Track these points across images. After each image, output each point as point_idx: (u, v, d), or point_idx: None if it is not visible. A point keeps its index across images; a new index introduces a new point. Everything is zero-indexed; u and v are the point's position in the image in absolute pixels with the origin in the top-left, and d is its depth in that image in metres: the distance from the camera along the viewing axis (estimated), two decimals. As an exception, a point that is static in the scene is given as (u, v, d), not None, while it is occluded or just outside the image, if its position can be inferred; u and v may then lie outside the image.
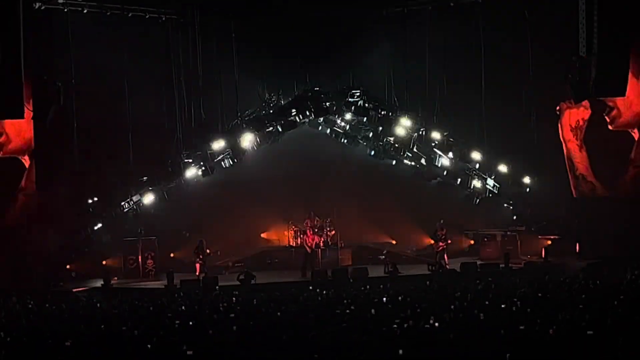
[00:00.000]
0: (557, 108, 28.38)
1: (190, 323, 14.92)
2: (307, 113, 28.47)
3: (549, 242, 28.75)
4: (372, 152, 30.88)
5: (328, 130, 30.90)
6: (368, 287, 21.32)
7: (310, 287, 21.69)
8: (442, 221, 27.53)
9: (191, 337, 13.25)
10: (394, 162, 30.93)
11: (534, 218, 29.24)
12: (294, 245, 29.96)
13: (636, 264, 21.88)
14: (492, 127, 28.91)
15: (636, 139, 27.43)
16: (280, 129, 28.45)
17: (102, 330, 14.78)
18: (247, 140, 28.18)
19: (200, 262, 26.25)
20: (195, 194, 28.30)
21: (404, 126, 29.32)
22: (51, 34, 26.39)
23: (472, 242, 30.70)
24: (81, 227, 26.84)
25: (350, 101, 28.62)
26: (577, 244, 28.19)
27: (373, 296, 18.35)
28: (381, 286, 21.03)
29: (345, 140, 30.72)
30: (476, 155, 29.25)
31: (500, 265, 26.43)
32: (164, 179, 27.55)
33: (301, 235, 29.40)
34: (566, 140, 28.47)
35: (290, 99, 29.18)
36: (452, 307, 15.32)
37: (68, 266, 27.06)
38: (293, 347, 12.01)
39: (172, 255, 28.87)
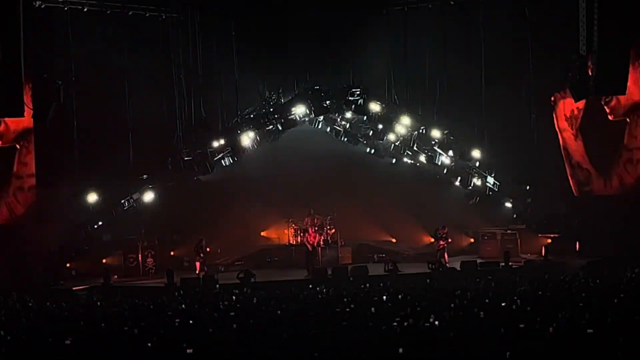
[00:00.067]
0: (552, 98, 28.49)
1: (191, 321, 14.93)
2: (307, 111, 28.47)
3: (549, 240, 28.78)
4: (372, 151, 30.88)
5: (328, 129, 30.89)
6: (368, 285, 21.36)
7: (310, 286, 21.72)
8: (445, 227, 27.54)
9: (191, 335, 13.26)
10: (394, 160, 30.95)
11: (534, 216, 29.25)
12: (294, 243, 29.99)
13: (636, 262, 21.88)
14: (492, 125, 28.88)
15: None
16: (280, 128, 28.44)
17: (102, 329, 14.79)
18: (247, 138, 28.17)
19: (200, 260, 26.28)
20: (195, 193, 28.30)
21: (404, 124, 29.31)
22: (51, 32, 26.38)
23: (472, 240, 30.72)
24: (81, 226, 26.84)
25: (350, 99, 28.61)
26: (577, 243, 28.24)
27: (373, 294, 18.35)
28: (381, 284, 21.06)
29: (346, 139, 30.70)
30: (476, 154, 29.23)
31: (500, 264, 26.43)
32: (164, 177, 27.53)
33: (301, 234, 29.42)
34: (561, 130, 28.62)
35: (290, 97, 29.15)
36: (452, 305, 15.33)
37: (68, 265, 27.10)
38: (293, 346, 12.01)
39: (172, 253, 28.93)
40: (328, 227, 28.95)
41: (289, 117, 28.39)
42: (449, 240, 27.49)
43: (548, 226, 28.84)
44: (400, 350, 11.04)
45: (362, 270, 25.80)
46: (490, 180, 29.15)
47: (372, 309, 15.23)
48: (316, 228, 28.47)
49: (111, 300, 20.74)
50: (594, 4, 23.12)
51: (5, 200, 26.10)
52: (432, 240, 28.68)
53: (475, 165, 29.37)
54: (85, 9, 26.63)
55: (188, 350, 11.65)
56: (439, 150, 29.34)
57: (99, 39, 26.82)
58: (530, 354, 10.95)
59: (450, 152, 29.27)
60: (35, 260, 25.57)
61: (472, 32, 28.48)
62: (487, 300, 15.97)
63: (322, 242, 28.48)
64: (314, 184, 29.54)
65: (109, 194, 26.99)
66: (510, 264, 26.49)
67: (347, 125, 30.72)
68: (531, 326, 12.41)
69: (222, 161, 27.96)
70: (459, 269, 25.88)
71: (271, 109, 29.02)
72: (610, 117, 27.53)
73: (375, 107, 28.84)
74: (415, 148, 29.65)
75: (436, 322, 13.14)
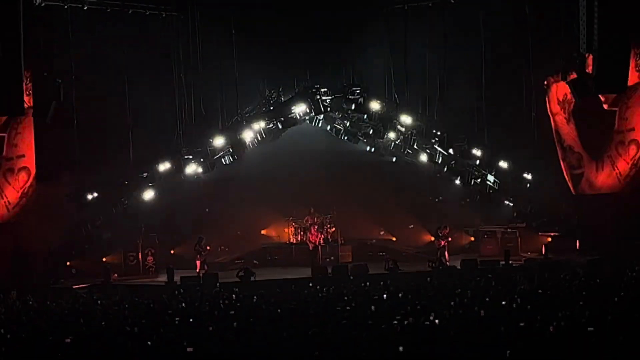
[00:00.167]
0: (545, 82, 28.45)
1: (191, 320, 14.93)
2: (308, 110, 28.46)
3: (549, 239, 28.80)
4: (372, 149, 30.87)
5: (328, 127, 30.88)
6: (368, 283, 21.35)
7: (311, 284, 21.72)
8: (447, 227, 27.55)
9: (191, 334, 13.26)
10: (394, 159, 30.93)
11: (534, 215, 29.23)
12: (294, 242, 29.99)
13: (636, 260, 21.88)
14: (492, 124, 28.87)
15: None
16: (280, 126, 28.43)
17: (102, 328, 14.80)
18: (247, 137, 28.17)
19: (200, 258, 26.28)
20: (196, 191, 28.30)
21: (404, 123, 29.29)
22: (51, 30, 26.33)
23: (472, 238, 30.74)
24: (81, 224, 26.84)
25: (350, 98, 28.60)
26: (578, 241, 28.24)
27: (373, 293, 18.36)
28: (381, 283, 21.04)
29: (346, 137, 30.69)
30: (476, 152, 29.22)
31: (501, 262, 26.44)
32: (164, 175, 27.53)
33: (301, 232, 29.44)
34: (554, 114, 28.61)
35: (290, 95, 29.14)
36: (452, 303, 15.33)
37: (68, 263, 27.11)
38: (293, 344, 12.01)
39: (172, 251, 28.94)
40: (328, 226, 28.96)
41: (289, 116, 28.37)
42: (449, 239, 27.51)
43: (548, 224, 28.82)
44: (401, 348, 11.04)
45: (362, 268, 25.81)
46: (491, 178, 29.13)
47: (372, 308, 15.24)
48: (317, 227, 28.47)
49: (111, 299, 20.75)
50: (594, 2, 23.11)
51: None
52: (433, 239, 28.68)
53: (475, 164, 29.35)
54: (85, 7, 26.60)
55: (188, 349, 11.66)
56: (439, 149, 29.32)
57: (99, 38, 26.78)
58: (531, 352, 10.95)
59: (451, 150, 29.26)
60: (35, 258, 25.56)
61: (473, 30, 28.44)
62: (487, 299, 15.96)
63: (322, 241, 28.48)
64: (314, 183, 29.55)
65: (109, 192, 26.99)
66: (510, 262, 26.50)
67: (347, 124, 30.70)
68: (531, 325, 12.41)
69: (222, 159, 27.96)
70: (459, 267, 25.88)
71: (271, 108, 29.02)
72: (605, 107, 27.47)
73: (375, 105, 28.85)
74: (415, 146, 29.64)
75: (436, 321, 13.14)
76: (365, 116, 29.46)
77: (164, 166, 27.31)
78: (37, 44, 24.89)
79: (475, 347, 11.16)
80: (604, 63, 23.40)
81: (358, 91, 28.48)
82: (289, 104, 28.68)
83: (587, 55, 23.91)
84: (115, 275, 26.70)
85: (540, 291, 17.12)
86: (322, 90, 28.39)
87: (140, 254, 27.65)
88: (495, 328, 12.18)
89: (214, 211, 29.24)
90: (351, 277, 24.64)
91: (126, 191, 27.12)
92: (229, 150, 27.91)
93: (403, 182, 30.54)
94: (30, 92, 25.01)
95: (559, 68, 26.25)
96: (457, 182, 29.53)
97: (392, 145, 30.29)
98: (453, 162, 29.32)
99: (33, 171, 26.04)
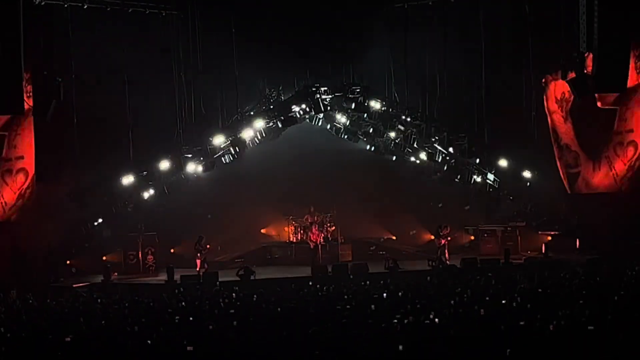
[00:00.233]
0: (543, 80, 28.44)
1: (191, 318, 14.93)
2: (308, 109, 28.45)
3: (549, 237, 28.81)
4: (373, 148, 30.86)
5: (328, 126, 30.87)
6: (368, 282, 21.35)
7: (310, 283, 21.72)
8: (447, 227, 27.55)
9: (191, 332, 13.27)
10: (394, 157, 30.92)
11: (534, 214, 29.23)
12: (294, 241, 29.99)
13: (636, 260, 21.88)
14: (492, 123, 28.86)
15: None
16: (280, 125, 28.43)
17: (102, 326, 14.80)
18: (247, 135, 28.16)
19: (200, 257, 26.27)
20: (196, 189, 28.30)
21: (404, 122, 29.27)
22: (51, 29, 26.33)
23: (472, 237, 30.73)
24: (81, 223, 26.84)
25: (350, 97, 28.59)
26: (578, 240, 28.23)
27: (373, 292, 18.37)
28: (381, 282, 21.05)
29: (346, 136, 30.67)
30: (477, 151, 29.18)
31: (501, 261, 26.46)
32: (164, 174, 27.53)
33: (302, 231, 29.44)
34: (551, 112, 28.59)
35: (290, 94, 29.15)
36: (452, 302, 15.35)
37: (68, 262, 27.10)
38: (293, 343, 12.02)
39: (172, 250, 28.94)
40: (328, 225, 28.96)
41: (289, 115, 28.37)
42: (449, 238, 27.52)
43: (548, 223, 28.82)
44: (400, 347, 11.05)
45: (362, 267, 25.81)
46: (491, 177, 29.12)
47: (372, 307, 15.24)
48: (317, 225, 28.48)
49: (111, 298, 20.75)
50: (594, 0, 23.11)
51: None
52: (433, 237, 28.68)
53: (475, 162, 29.33)
54: (85, 6, 26.57)
55: (188, 348, 11.66)
56: (439, 148, 29.31)
57: (99, 36, 26.75)
58: (531, 351, 10.96)
59: (451, 149, 29.24)
60: (35, 257, 25.55)
61: (473, 29, 28.43)
62: (487, 298, 15.97)
63: (322, 240, 28.49)
64: (314, 182, 29.55)
65: (109, 191, 26.98)
66: (510, 261, 26.51)
67: (347, 123, 30.69)
68: (531, 323, 12.41)
69: (223, 158, 27.96)
70: (459, 266, 25.87)
71: (271, 106, 29.02)
72: (599, 104, 27.44)
73: (375, 104, 28.84)
74: (415, 145, 29.63)
75: (436, 320, 13.15)
76: (366, 115, 29.48)
77: (164, 165, 27.30)
78: (37, 43, 24.88)
79: (475, 346, 11.17)
80: (604, 62, 23.42)
81: (358, 90, 28.48)
82: (289, 102, 28.68)
83: (586, 54, 23.93)
84: (115, 274, 26.69)
85: (540, 290, 17.12)
86: (322, 89, 28.41)
87: (140, 252, 27.65)
88: (495, 327, 12.19)
89: (214, 211, 29.20)
90: (351, 276, 24.64)
91: (126, 189, 27.10)
92: (229, 149, 27.91)
93: (403, 181, 30.51)
94: (30, 94, 24.97)
95: (558, 67, 26.28)
96: (457, 180, 29.51)
97: (392, 144, 30.27)
98: (453, 160, 29.31)
99: (31, 173, 25.95)
